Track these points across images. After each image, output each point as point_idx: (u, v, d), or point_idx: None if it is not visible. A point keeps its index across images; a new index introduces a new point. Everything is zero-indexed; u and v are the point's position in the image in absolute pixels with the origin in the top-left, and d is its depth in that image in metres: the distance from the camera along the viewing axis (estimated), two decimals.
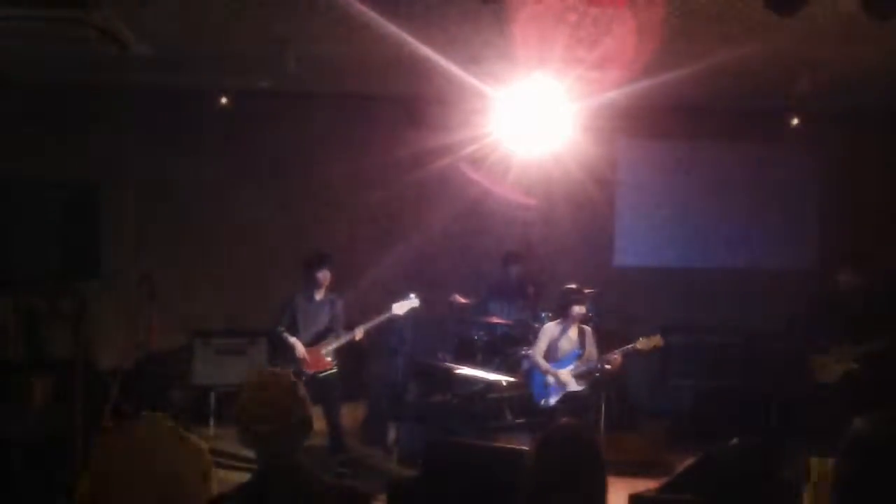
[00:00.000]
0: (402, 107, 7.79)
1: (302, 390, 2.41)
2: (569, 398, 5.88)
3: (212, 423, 7.01)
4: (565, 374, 5.94)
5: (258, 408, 2.31)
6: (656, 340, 5.76)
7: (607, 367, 5.85)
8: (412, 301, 6.19)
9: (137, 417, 3.20)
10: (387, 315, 6.12)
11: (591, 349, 6.03)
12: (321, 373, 5.98)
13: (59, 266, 5.21)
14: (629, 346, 5.81)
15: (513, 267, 7.50)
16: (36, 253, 5.12)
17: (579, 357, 5.97)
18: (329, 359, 6.05)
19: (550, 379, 5.97)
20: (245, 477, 2.65)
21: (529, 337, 6.76)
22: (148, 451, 3.08)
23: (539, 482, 2.47)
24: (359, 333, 6.02)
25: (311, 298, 6.13)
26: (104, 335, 6.39)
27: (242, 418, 2.33)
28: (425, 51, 5.41)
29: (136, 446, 3.10)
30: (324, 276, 6.08)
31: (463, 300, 7.22)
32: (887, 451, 1.99)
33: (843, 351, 6.09)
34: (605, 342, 6.12)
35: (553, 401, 5.92)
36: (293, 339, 6.02)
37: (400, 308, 6.14)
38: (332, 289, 6.20)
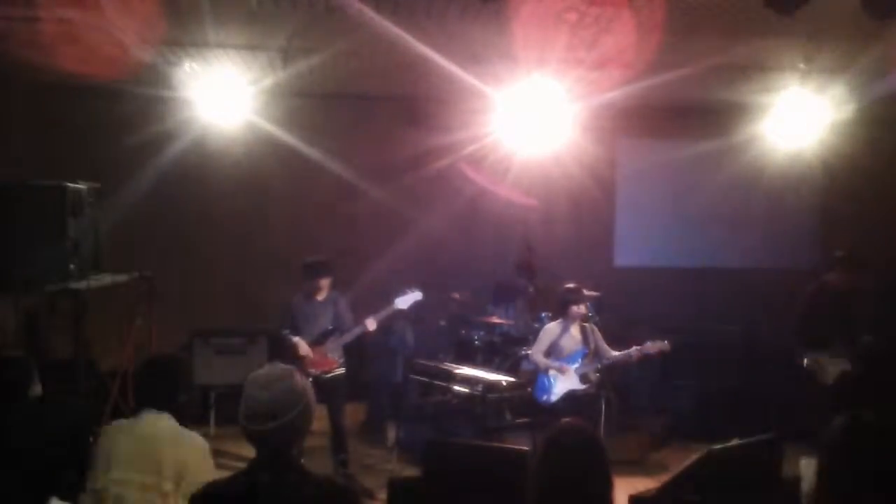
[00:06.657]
0: (402, 107, 7.80)
1: (303, 385, 2.43)
2: (571, 397, 5.87)
3: (212, 423, 7.01)
4: (569, 368, 5.92)
5: (258, 403, 2.33)
6: (662, 345, 5.89)
7: (630, 359, 5.95)
8: (415, 294, 6.12)
9: (138, 415, 3.19)
10: (390, 309, 6.06)
11: (601, 345, 6.02)
12: (327, 373, 5.94)
13: (59, 266, 5.19)
14: (639, 347, 5.88)
15: (522, 274, 7.51)
16: (36, 253, 5.09)
17: (585, 356, 5.96)
18: (335, 357, 6.01)
19: (555, 374, 5.89)
20: None
21: (529, 337, 6.76)
22: (150, 443, 3.08)
23: (545, 481, 2.47)
24: (371, 324, 5.94)
25: (310, 300, 6.07)
26: (104, 335, 6.38)
27: (244, 414, 2.36)
28: (425, 50, 5.41)
29: (138, 439, 3.10)
30: (322, 282, 6.03)
31: (460, 297, 7.23)
32: (865, 447, 2.01)
33: (837, 351, 6.09)
34: (606, 342, 6.12)
35: (555, 399, 5.88)
36: (296, 339, 5.94)
37: (403, 302, 6.08)
38: (332, 289, 6.16)
